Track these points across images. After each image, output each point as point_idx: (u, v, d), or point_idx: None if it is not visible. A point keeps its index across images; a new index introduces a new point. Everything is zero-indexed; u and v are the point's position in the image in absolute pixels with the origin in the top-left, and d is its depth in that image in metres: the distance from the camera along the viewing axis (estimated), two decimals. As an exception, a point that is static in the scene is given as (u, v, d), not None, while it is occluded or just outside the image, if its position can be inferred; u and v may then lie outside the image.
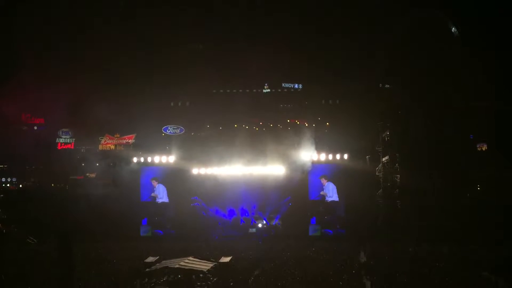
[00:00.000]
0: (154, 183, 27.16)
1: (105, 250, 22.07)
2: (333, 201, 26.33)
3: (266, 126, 31.02)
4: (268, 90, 36.32)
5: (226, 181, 27.04)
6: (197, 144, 28.74)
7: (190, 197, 27.21)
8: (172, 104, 30.49)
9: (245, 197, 27.30)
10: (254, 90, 34.04)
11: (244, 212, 27.50)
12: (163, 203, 27.14)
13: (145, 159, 27.24)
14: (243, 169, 26.89)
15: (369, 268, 18.64)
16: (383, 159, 26.46)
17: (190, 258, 17.94)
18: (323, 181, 26.39)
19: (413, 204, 24.75)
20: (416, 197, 24.80)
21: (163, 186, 27.23)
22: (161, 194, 27.16)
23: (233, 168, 26.91)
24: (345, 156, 26.19)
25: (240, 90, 31.33)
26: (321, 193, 26.16)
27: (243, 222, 27.37)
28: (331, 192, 26.38)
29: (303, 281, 16.69)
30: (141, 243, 23.76)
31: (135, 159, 27.28)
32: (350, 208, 25.97)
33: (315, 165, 26.23)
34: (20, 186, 29.38)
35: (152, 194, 27.01)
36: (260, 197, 27.02)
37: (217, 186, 27.05)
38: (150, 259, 18.62)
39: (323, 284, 16.55)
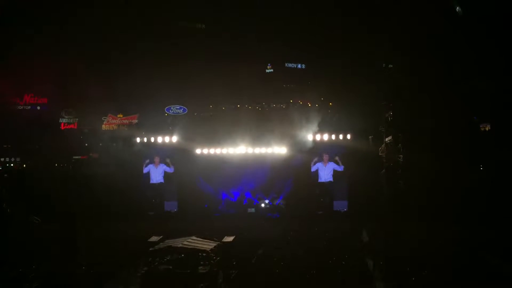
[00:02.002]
0: (157, 159, 27.23)
1: (109, 230, 22.20)
2: (329, 182, 26.44)
3: (270, 106, 30.82)
4: (271, 70, 35.96)
5: (229, 161, 27.01)
6: (200, 124, 28.59)
7: (194, 178, 27.26)
8: (175, 84, 30.17)
9: (247, 177, 27.27)
10: (257, 70, 33.71)
11: (247, 192, 27.50)
12: (160, 183, 27.25)
13: (148, 139, 27.26)
14: (245, 149, 26.87)
15: (371, 248, 18.76)
16: (386, 139, 26.35)
17: (193, 237, 18.02)
18: (325, 158, 26.45)
19: (415, 184, 24.69)
20: (419, 177, 24.73)
21: (164, 167, 27.33)
22: (159, 174, 27.25)
23: (236, 148, 26.90)
24: (348, 136, 26.17)
25: (243, 70, 31.05)
26: (312, 166, 26.26)
27: (246, 202, 27.46)
28: (327, 173, 26.45)
29: (305, 259, 16.78)
30: (146, 223, 23.95)
31: (138, 139, 27.30)
32: (353, 189, 26.01)
33: (318, 144, 26.20)
34: (24, 166, 29.32)
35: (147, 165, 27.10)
36: (262, 177, 27.03)
37: (220, 166, 27.06)
38: (154, 238, 18.72)
39: (326, 261, 16.66)
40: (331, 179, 26.62)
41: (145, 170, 27.27)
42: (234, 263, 16.89)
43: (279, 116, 28.01)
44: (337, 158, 26.29)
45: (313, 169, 26.65)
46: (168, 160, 27.17)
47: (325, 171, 26.64)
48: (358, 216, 24.14)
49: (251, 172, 27.12)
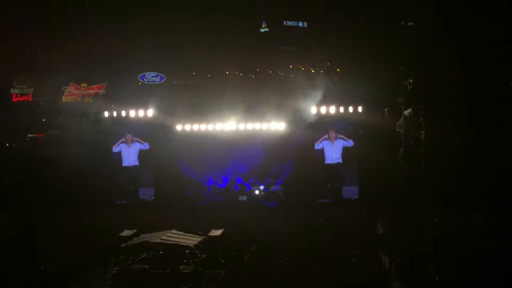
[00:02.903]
0: (129, 137, 27.32)
1: (72, 222, 22.14)
2: (337, 164, 26.59)
3: (264, 73, 30.64)
4: (267, 29, 35.54)
5: (216, 140, 27.06)
6: (181, 94, 28.33)
7: (175, 160, 27.35)
8: (151, 46, 29.83)
9: (239, 158, 27.40)
10: (250, 29, 33.34)
11: (238, 177, 27.71)
12: (134, 166, 27.41)
13: (119, 113, 27.20)
14: (236, 125, 26.91)
15: (387, 242, 18.77)
16: (405, 112, 26.33)
17: (174, 231, 18.05)
18: (332, 134, 26.49)
19: (440, 166, 24.57)
20: (444, 158, 24.57)
21: (139, 145, 27.44)
22: (133, 155, 27.37)
23: (224, 124, 26.91)
24: (359, 109, 26.13)
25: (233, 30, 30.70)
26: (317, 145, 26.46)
27: (237, 188, 27.61)
28: (335, 153, 26.62)
29: (308, 256, 16.82)
30: (117, 213, 23.94)
31: (106, 114, 27.24)
32: (365, 172, 26.13)
33: (324, 118, 26.23)
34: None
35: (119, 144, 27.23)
36: (257, 159, 27.13)
37: (206, 145, 27.10)
38: (126, 232, 18.74)
39: (333, 259, 16.67)
40: (340, 160, 26.68)
41: (115, 149, 27.35)
42: (223, 261, 16.85)
43: (277, 85, 27.89)
44: (342, 136, 26.52)
45: (317, 147, 26.74)
46: (138, 139, 27.30)
47: (333, 150, 26.67)
48: (372, 205, 24.21)
49: (243, 153, 27.15)
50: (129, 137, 27.33)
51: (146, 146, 27.47)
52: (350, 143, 26.59)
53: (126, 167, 27.46)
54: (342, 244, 18.17)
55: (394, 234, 19.50)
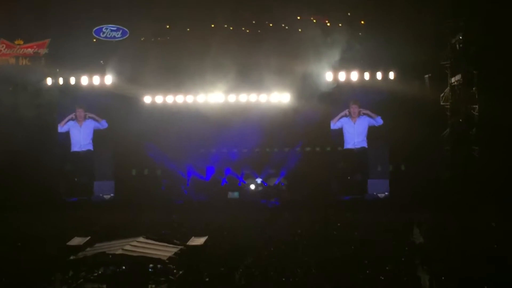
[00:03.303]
0: (80, 113, 27.38)
1: (4, 227, 22.11)
2: (360, 150, 26.75)
3: (263, 26, 30.27)
4: (267, -33, 35.33)
5: (198, 116, 27.10)
6: (151, 55, 28.04)
7: (141, 143, 27.47)
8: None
9: (228, 141, 27.60)
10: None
11: (227, 168, 27.99)
12: (87, 151, 27.49)
13: (66, 81, 27.19)
14: (225, 97, 27.00)
15: (427, 254, 18.68)
16: (453, 79, 26.32)
17: (141, 239, 17.93)
18: (354, 109, 26.55)
19: (499, 153, 24.74)
20: (504, 143, 24.84)
21: (93, 123, 27.50)
22: (85, 136, 27.48)
23: (209, 95, 26.98)
24: (391, 75, 26.24)
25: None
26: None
27: (226, 182, 27.83)
28: (358, 134, 26.79)
29: (321, 274, 16.71)
30: (64, 215, 24.08)
31: (49, 81, 27.26)
32: (399, 160, 26.40)
33: (343, 87, 26.35)
34: None
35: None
36: (252, 142, 27.40)
37: (183, 124, 27.21)
38: (76, 240, 18.62)
39: (353, 279, 16.43)
40: (365, 144, 26.77)
41: (62, 129, 27.43)
42: (207, 279, 16.65)
43: (279, 43, 27.45)
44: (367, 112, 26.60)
45: (334, 126, 26.81)
46: (93, 116, 27.48)
47: (355, 131, 26.77)
48: (407, 204, 24.23)
49: (234, 134, 27.18)
50: (80, 112, 27.39)
51: (103, 124, 27.56)
52: (378, 121, 26.67)
53: (76, 152, 27.56)
54: (367, 258, 17.93)
55: (437, 243, 19.37)
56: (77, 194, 27.16)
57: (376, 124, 26.69)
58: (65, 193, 26.97)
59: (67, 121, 27.46)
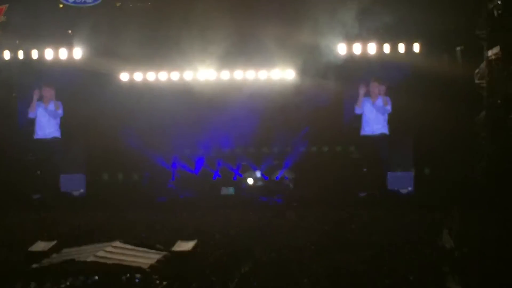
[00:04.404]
0: (47, 92, 27.27)
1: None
2: (380, 137, 26.74)
3: (261, -13, 30.30)
4: None
5: (184, 97, 27.32)
6: (128, 24, 28.01)
7: (117, 128, 27.62)
8: None
9: (220, 127, 27.72)
10: None
11: (219, 159, 28.23)
12: (53, 139, 27.44)
13: (28, 54, 27.17)
14: (216, 73, 27.10)
15: (458, 261, 18.69)
16: (489, 52, 26.13)
17: (117, 243, 17.87)
18: (374, 88, 26.42)
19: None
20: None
21: (61, 106, 27.36)
22: (51, 120, 27.39)
23: (197, 72, 27.07)
24: (415, 48, 26.28)
25: None
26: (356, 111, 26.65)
27: (218, 175, 28.00)
28: (379, 119, 26.76)
29: (331, 286, 16.48)
30: (24, 214, 24.25)
31: (7, 54, 27.23)
32: (425, 149, 26.46)
33: (358, 62, 26.45)
34: None
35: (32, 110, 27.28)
36: (249, 127, 27.43)
37: (167, 106, 27.38)
38: (40, 245, 18.50)
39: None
40: (386, 131, 26.70)
41: (32, 115, 27.36)
42: (196, 291, 16.84)
43: (282, 8, 27.37)
44: (382, 88, 26.49)
45: (359, 111, 26.69)
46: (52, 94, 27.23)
47: (374, 114, 26.71)
48: (434, 203, 24.16)
49: (228, 118, 27.28)
50: (48, 92, 27.28)
51: (59, 112, 27.44)
52: (386, 109, 26.67)
53: (41, 140, 27.46)
54: (388, 265, 17.91)
55: (470, 249, 19.10)
56: (39, 190, 27.09)
57: (386, 111, 26.74)
58: (28, 189, 26.97)
59: (34, 103, 27.25)
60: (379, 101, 26.64)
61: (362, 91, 26.62)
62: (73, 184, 27.57)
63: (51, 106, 27.41)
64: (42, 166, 27.70)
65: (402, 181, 26.79)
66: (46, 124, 27.49)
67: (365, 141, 26.95)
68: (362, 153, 27.13)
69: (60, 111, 27.38)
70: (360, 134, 26.92)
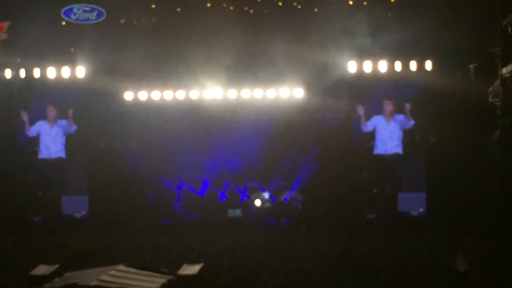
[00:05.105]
0: (51, 112, 27.24)
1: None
2: (394, 156, 26.67)
3: (270, 5, 30.24)
4: None
5: (190, 117, 27.40)
6: (133, 43, 28.07)
7: (121, 150, 27.64)
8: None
9: (228, 148, 27.59)
10: None
11: (226, 180, 28.03)
12: (58, 159, 27.41)
13: (29, 73, 27.16)
14: (223, 93, 27.00)
15: (473, 285, 18.49)
16: (504, 70, 25.96)
17: (121, 267, 17.65)
18: (387, 106, 26.34)
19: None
20: None
21: (65, 126, 27.32)
22: (57, 140, 27.34)
23: (204, 90, 26.98)
24: (428, 65, 26.16)
25: None
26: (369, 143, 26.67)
27: (225, 197, 27.87)
28: (392, 137, 26.64)
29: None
30: (26, 237, 24.14)
31: (9, 72, 27.19)
32: (438, 169, 26.18)
33: (369, 80, 26.36)
34: None
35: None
36: (257, 148, 27.33)
37: (173, 126, 27.35)
38: (42, 269, 18.34)
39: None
40: (399, 150, 26.63)
41: (32, 133, 27.30)
42: (202, 317, 16.59)
43: (291, 25, 27.47)
44: (407, 106, 26.14)
45: (367, 128, 26.60)
46: (70, 112, 26.99)
47: (388, 133, 26.63)
48: (448, 224, 24.04)
49: (236, 138, 27.28)
50: (52, 111, 27.21)
51: (73, 128, 27.38)
52: (410, 123, 26.47)
53: (45, 160, 27.45)
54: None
55: (485, 273, 18.96)
56: (43, 213, 27.01)
57: (407, 127, 26.59)
58: (30, 211, 26.96)
59: (36, 123, 27.35)
60: (400, 119, 26.57)
61: (361, 112, 26.45)
62: (75, 206, 27.35)
63: (63, 122, 27.33)
64: (43, 187, 27.67)
65: (413, 203, 26.56)
66: (52, 143, 27.50)
67: (377, 160, 26.90)
68: (373, 173, 26.95)
69: (74, 127, 27.31)
70: (373, 153, 26.89)
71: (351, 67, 26.18)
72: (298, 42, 26.37)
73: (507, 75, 25.91)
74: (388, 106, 26.47)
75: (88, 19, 28.80)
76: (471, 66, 26.68)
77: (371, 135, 26.75)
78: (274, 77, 26.68)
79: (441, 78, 26.01)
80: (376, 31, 26.24)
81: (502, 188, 25.58)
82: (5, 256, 21.32)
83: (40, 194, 27.53)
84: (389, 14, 28.17)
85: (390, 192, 26.75)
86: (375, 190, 26.87)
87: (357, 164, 26.95)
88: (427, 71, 26.21)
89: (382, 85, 26.61)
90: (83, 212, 27.19)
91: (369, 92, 26.71)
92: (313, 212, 26.70)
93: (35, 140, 27.44)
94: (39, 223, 26.61)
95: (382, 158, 26.75)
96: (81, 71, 27.11)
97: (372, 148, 26.84)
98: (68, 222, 26.76)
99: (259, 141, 27.04)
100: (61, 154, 27.50)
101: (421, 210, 26.42)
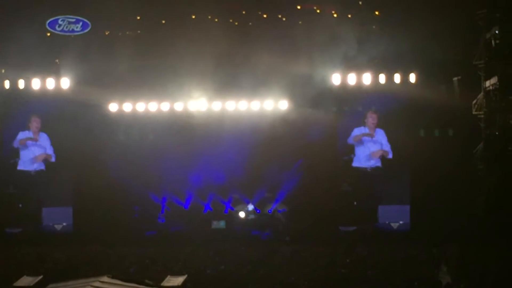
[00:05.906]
0: (34, 123, 27.16)
1: None
2: (374, 170, 26.71)
3: (255, 18, 30.39)
4: None
5: (175, 128, 27.44)
6: (118, 54, 28.10)
7: (105, 162, 27.37)
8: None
9: (212, 160, 27.56)
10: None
11: (211, 192, 28.01)
12: (38, 172, 27.32)
13: (14, 84, 27.15)
14: (208, 105, 27.04)
15: None
16: (487, 83, 26.38)
17: (104, 279, 17.66)
18: (372, 120, 26.32)
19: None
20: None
21: (47, 137, 27.33)
22: (37, 153, 27.29)
23: (188, 102, 27.01)
24: (411, 78, 26.19)
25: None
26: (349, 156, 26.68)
27: (209, 209, 27.84)
28: (377, 149, 26.67)
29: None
30: (7, 249, 24.08)
31: None
32: (420, 182, 26.18)
33: (353, 94, 26.41)
34: None
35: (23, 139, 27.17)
36: (241, 160, 27.38)
37: (157, 139, 27.51)
38: (26, 280, 18.38)
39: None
40: (379, 163, 26.65)
41: (15, 143, 27.17)
42: (185, 329, 16.67)
43: (275, 37, 27.65)
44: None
45: (351, 139, 26.61)
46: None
47: (371, 146, 26.64)
48: (430, 237, 24.11)
49: (220, 150, 27.22)
50: (35, 122, 27.18)
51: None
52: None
53: (25, 172, 27.34)
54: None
55: (469, 285, 19.06)
56: (23, 225, 26.87)
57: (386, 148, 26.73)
58: (10, 223, 26.77)
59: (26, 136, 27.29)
60: (381, 133, 26.65)
61: (374, 120, 26.51)
62: (56, 217, 27.22)
63: (47, 139, 27.21)
64: (23, 199, 27.42)
65: (393, 215, 26.64)
66: (30, 158, 27.25)
67: (357, 173, 26.87)
68: (353, 186, 26.93)
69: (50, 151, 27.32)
70: (352, 164, 26.80)
71: (335, 79, 26.22)
72: (282, 55, 26.42)
73: (491, 88, 26.21)
74: (373, 119, 26.50)
75: (73, 31, 28.85)
76: (455, 78, 27.02)
77: (353, 148, 26.81)
78: (259, 88, 26.66)
79: (425, 91, 26.05)
80: (360, 43, 26.26)
81: (486, 200, 25.80)
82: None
83: (20, 205, 27.34)
84: (373, 27, 28.39)
85: (370, 204, 26.81)
86: (355, 203, 26.85)
87: (341, 177, 27.05)
88: (411, 83, 26.23)
89: (366, 98, 26.64)
90: (64, 224, 27.04)
91: (353, 105, 26.90)
92: (297, 224, 26.69)
93: (15, 151, 27.37)
94: (22, 234, 26.47)
95: (363, 171, 26.78)
96: (65, 83, 27.07)
97: (351, 160, 26.86)
98: (52, 235, 26.66)
99: (244, 153, 26.99)
100: (42, 167, 27.41)
101: (401, 222, 26.50)
